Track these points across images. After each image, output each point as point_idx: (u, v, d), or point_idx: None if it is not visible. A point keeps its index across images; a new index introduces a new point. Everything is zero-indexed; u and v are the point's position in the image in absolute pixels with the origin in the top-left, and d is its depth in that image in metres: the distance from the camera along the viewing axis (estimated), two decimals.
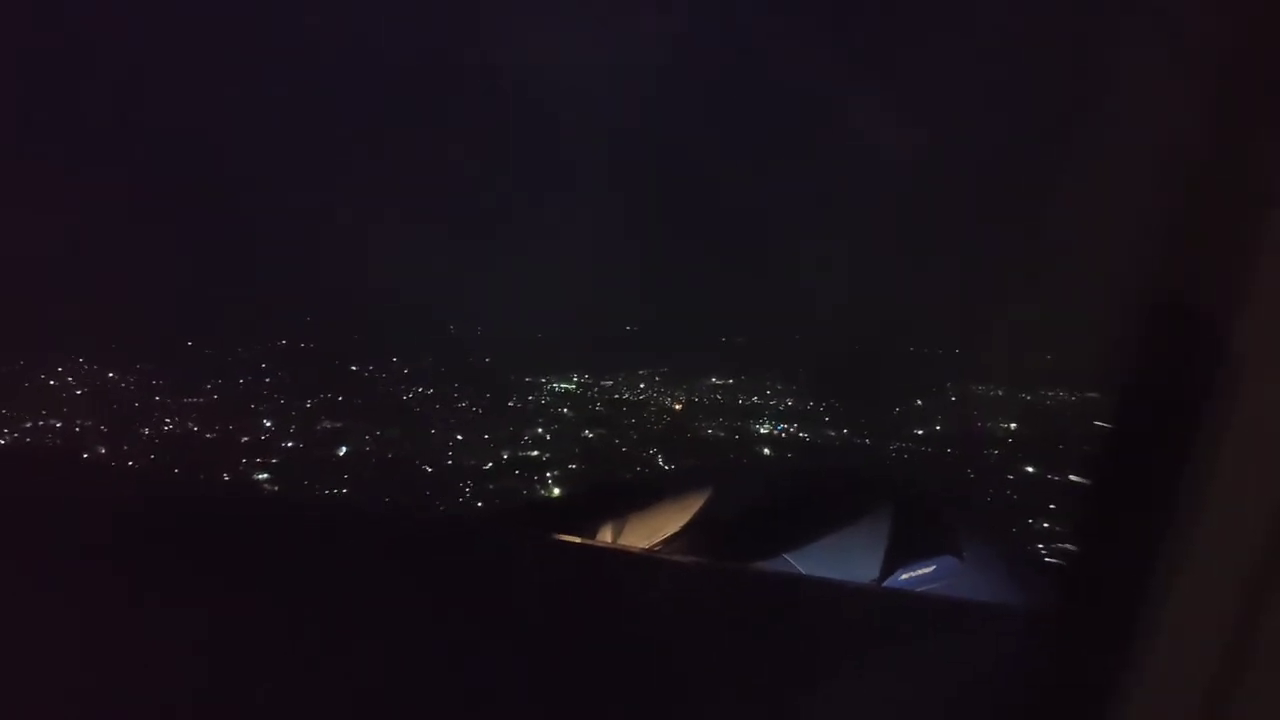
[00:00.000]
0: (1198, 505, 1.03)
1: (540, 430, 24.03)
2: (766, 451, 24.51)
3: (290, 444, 21.22)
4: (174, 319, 33.98)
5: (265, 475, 18.29)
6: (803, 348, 35.58)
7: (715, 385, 30.77)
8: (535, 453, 22.32)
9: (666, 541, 3.39)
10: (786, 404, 28.13)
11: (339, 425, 22.34)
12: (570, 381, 30.96)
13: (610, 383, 31.08)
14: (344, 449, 21.15)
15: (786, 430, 25.61)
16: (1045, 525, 16.50)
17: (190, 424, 21.51)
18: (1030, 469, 21.48)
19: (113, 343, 29.17)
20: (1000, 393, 28.36)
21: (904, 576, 3.12)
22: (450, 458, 21.35)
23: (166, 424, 21.50)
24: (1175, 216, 1.13)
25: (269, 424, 22.14)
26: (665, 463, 21.46)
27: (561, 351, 33.50)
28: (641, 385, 30.74)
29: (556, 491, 19.63)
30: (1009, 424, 25.35)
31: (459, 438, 22.59)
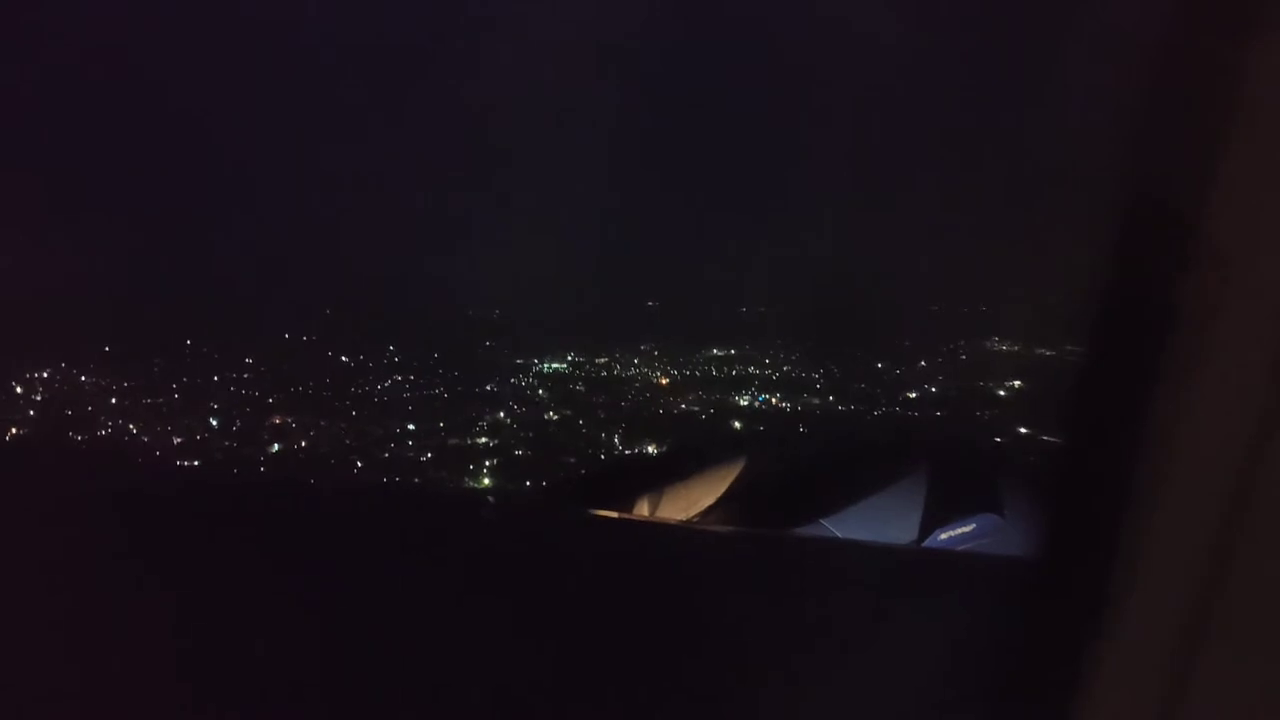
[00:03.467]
0: (1170, 435, 0.99)
1: (503, 415, 22.97)
2: (737, 425, 23.11)
3: (226, 443, 20.45)
4: (174, 319, 33.85)
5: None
6: (820, 314, 34.08)
7: (715, 357, 29.46)
8: (484, 440, 21.26)
9: (703, 513, 3.40)
10: (781, 372, 26.69)
11: (289, 420, 21.58)
12: (563, 361, 29.94)
13: (604, 360, 29.96)
14: (276, 446, 20.35)
15: (769, 400, 24.14)
16: None
17: (131, 426, 20.96)
18: (1023, 430, 19.75)
19: (105, 345, 29.12)
20: (1016, 348, 26.65)
21: (943, 536, 3.08)
22: (390, 450, 20.44)
23: (106, 427, 20.99)
24: (1156, 114, 1.07)
25: (214, 423, 21.48)
26: (622, 444, 20.21)
27: (573, 330, 32.47)
28: (635, 361, 29.51)
29: (487, 482, 18.62)
30: (1013, 382, 23.50)
31: (410, 427, 21.66)
